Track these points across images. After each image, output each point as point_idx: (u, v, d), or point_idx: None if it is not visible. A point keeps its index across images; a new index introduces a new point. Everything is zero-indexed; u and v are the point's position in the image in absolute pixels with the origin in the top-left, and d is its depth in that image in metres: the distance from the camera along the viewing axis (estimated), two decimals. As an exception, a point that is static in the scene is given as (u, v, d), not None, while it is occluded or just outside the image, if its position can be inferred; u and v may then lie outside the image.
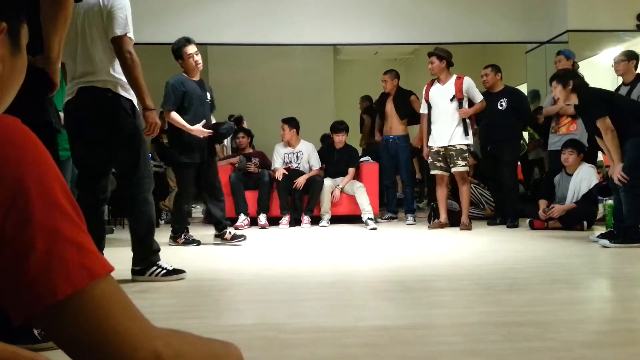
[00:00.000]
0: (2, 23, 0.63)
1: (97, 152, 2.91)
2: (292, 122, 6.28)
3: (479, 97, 5.55)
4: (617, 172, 4.10)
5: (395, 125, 6.33)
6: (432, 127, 5.64)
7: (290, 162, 6.28)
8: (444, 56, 5.57)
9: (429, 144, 5.68)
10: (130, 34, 2.80)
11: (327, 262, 3.68)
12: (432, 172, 5.69)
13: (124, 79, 2.82)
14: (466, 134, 5.50)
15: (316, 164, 6.28)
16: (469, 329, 2.00)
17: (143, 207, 2.95)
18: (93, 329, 0.59)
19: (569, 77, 4.28)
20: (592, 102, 4.17)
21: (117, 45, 2.75)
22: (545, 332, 1.95)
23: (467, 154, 5.56)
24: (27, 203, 0.58)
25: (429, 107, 5.70)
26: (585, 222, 5.20)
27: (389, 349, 1.78)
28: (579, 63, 6.89)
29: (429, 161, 5.74)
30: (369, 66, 10.67)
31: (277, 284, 2.97)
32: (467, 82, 5.55)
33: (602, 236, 4.22)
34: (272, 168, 6.29)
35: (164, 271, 3.01)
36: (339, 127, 6.33)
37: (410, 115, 6.31)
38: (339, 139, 6.28)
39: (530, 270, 3.21)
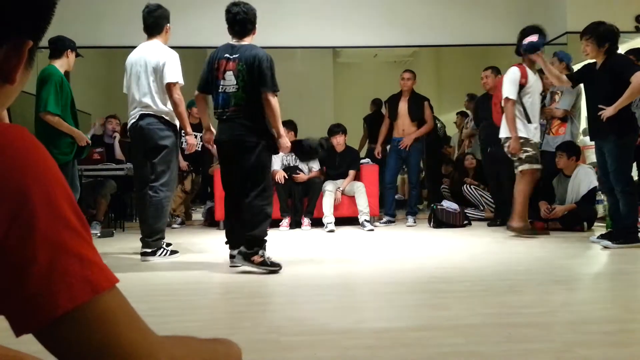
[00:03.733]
0: (29, 41, 0.63)
1: (150, 157, 3.93)
2: (289, 125, 6.27)
3: None
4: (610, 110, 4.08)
5: (407, 127, 6.30)
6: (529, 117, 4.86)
7: (289, 164, 6.29)
8: None
9: (525, 135, 4.78)
10: (181, 81, 3.91)
11: (328, 264, 3.67)
12: (534, 166, 4.80)
13: (170, 111, 3.92)
14: None
15: (315, 165, 6.28)
16: (470, 331, 1.99)
17: (164, 201, 3.90)
18: (95, 343, 0.58)
19: (607, 40, 4.28)
20: (628, 62, 4.23)
21: (170, 88, 3.86)
22: (547, 333, 1.95)
23: None
24: (31, 214, 0.56)
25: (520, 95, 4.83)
26: (585, 223, 5.20)
27: (389, 351, 1.78)
28: (579, 64, 6.90)
29: (528, 154, 4.75)
30: (368, 68, 10.67)
31: (278, 286, 2.97)
32: None
33: (602, 237, 4.22)
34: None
35: (169, 252, 3.91)
36: (336, 129, 6.30)
37: (420, 119, 6.30)
38: (337, 141, 6.26)
39: (531, 271, 3.21)
